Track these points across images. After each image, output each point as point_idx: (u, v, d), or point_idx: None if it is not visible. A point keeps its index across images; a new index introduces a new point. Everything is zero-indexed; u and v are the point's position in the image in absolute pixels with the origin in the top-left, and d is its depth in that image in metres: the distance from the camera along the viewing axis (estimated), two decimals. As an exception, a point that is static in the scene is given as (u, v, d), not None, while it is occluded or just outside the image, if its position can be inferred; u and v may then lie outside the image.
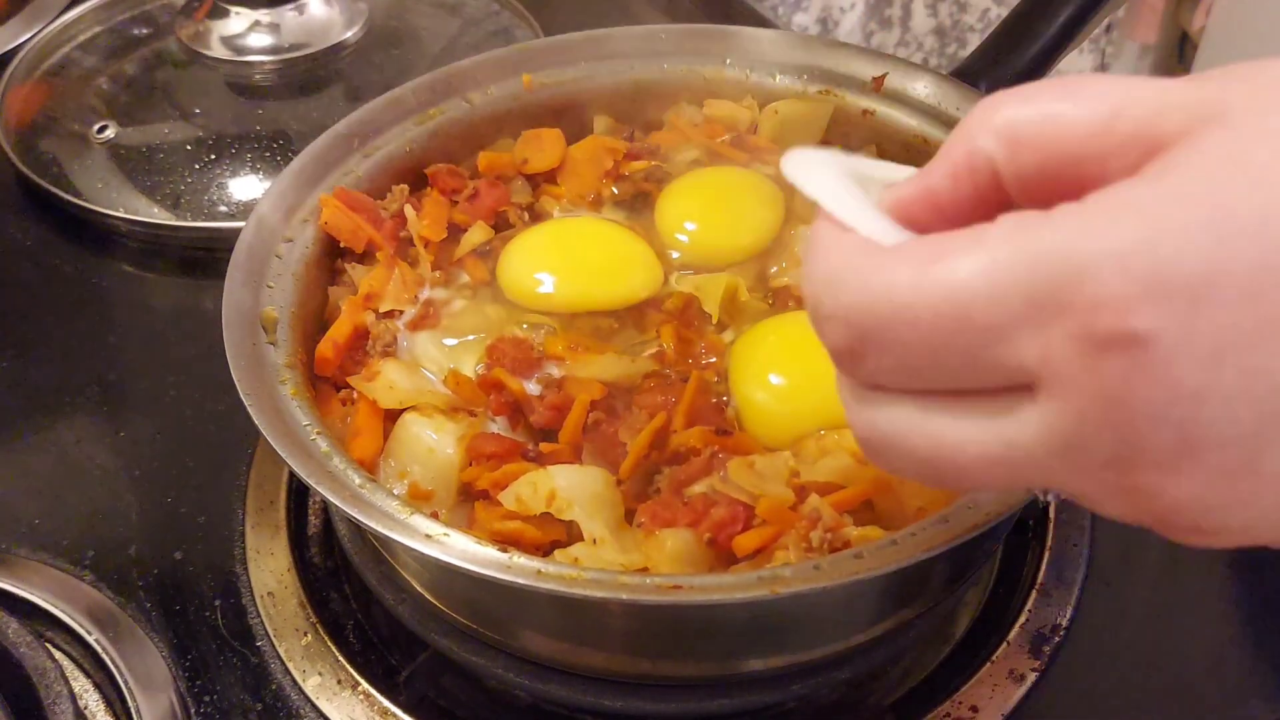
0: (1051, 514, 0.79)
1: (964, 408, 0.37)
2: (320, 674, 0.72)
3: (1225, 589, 0.76)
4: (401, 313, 0.74)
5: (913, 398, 0.38)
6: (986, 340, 0.34)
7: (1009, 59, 0.81)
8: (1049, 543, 0.77)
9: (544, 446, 0.67)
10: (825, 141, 0.87)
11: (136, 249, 1.03)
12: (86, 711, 0.69)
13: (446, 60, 0.87)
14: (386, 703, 0.70)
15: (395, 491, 0.63)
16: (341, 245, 0.77)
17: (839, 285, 0.38)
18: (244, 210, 1.02)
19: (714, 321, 0.73)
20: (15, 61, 1.18)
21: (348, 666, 0.72)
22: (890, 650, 0.67)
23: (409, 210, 0.78)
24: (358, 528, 0.72)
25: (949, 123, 0.80)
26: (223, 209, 1.03)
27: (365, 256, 0.78)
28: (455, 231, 0.79)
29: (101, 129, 1.10)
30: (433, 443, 0.66)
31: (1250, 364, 0.32)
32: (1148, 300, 0.31)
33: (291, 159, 0.77)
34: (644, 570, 0.60)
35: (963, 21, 1.86)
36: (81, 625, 0.72)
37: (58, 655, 0.71)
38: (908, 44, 1.87)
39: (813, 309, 0.39)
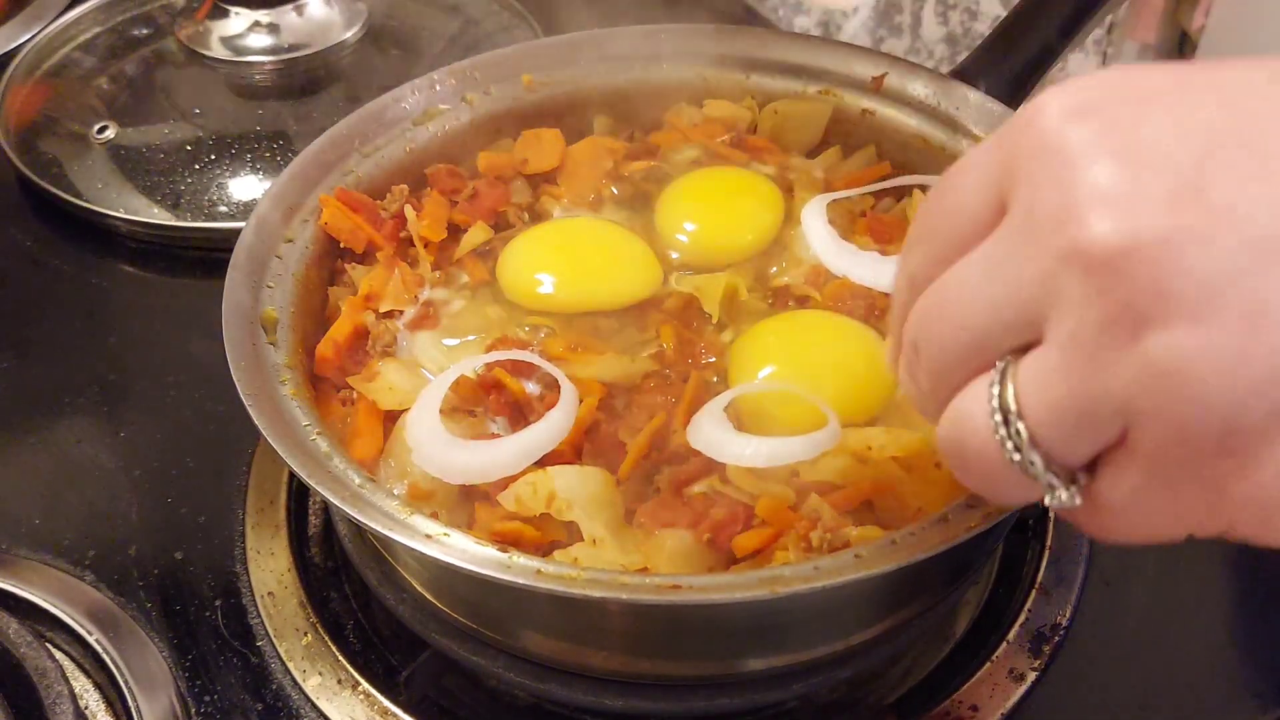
0: (1051, 514, 0.79)
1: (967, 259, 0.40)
2: (320, 674, 0.72)
3: (1224, 589, 0.76)
4: (401, 313, 0.74)
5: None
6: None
7: (1008, 59, 0.81)
8: (1049, 542, 0.77)
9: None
10: (825, 141, 0.87)
11: (136, 249, 1.03)
12: (87, 711, 0.70)
13: (446, 60, 0.87)
14: (386, 703, 0.70)
15: (395, 491, 0.63)
16: (341, 245, 0.77)
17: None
18: (244, 210, 1.02)
19: (714, 321, 0.73)
20: (15, 61, 1.18)
21: (348, 666, 0.72)
22: (890, 649, 0.67)
23: (409, 210, 0.78)
24: (358, 528, 0.72)
25: (948, 122, 0.80)
26: (223, 209, 1.03)
27: (365, 256, 0.78)
28: (455, 231, 0.79)
29: (101, 129, 1.10)
30: (433, 443, 0.66)
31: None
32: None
33: (291, 159, 0.77)
34: (644, 570, 0.60)
35: (974, 30, 1.85)
36: (81, 625, 0.72)
37: (58, 655, 0.71)
38: (918, 51, 1.86)
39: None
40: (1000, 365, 0.38)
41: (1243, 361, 0.33)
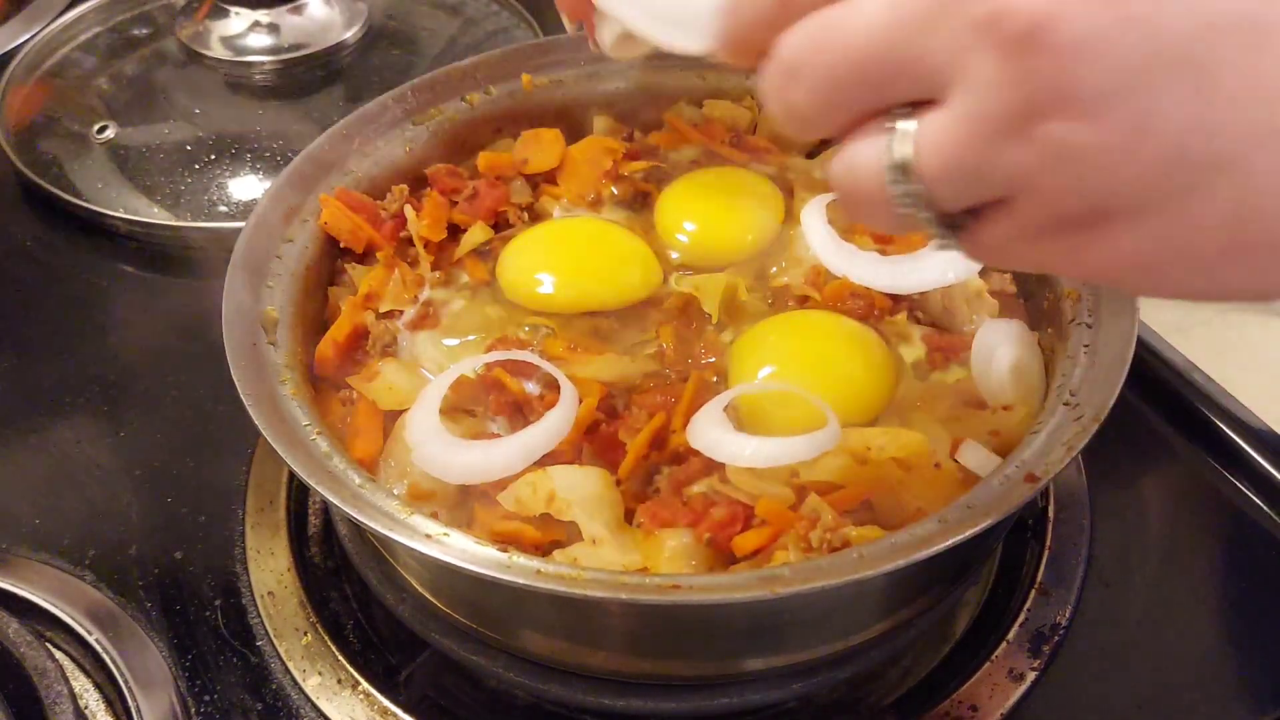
0: (1051, 514, 0.79)
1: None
2: (320, 674, 0.72)
3: (1224, 589, 0.76)
4: (401, 313, 0.74)
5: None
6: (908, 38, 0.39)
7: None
8: (1048, 543, 0.77)
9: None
10: (825, 141, 0.87)
11: (136, 249, 1.03)
12: (86, 711, 0.70)
13: (446, 60, 0.87)
14: (386, 702, 0.70)
15: (395, 491, 0.63)
16: (341, 245, 0.77)
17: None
18: (244, 210, 1.02)
19: (713, 321, 0.73)
20: (15, 61, 1.18)
21: (348, 666, 0.72)
22: (890, 650, 0.67)
23: (409, 210, 0.78)
24: (358, 528, 0.72)
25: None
26: (223, 209, 1.03)
27: (365, 256, 0.78)
28: (455, 231, 0.79)
29: (101, 129, 1.10)
30: (433, 443, 0.66)
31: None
32: None
33: (291, 159, 0.77)
34: (643, 570, 0.60)
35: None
36: (81, 625, 0.72)
37: (58, 655, 0.71)
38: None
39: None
40: (900, 119, 0.40)
41: (1122, 161, 0.37)
